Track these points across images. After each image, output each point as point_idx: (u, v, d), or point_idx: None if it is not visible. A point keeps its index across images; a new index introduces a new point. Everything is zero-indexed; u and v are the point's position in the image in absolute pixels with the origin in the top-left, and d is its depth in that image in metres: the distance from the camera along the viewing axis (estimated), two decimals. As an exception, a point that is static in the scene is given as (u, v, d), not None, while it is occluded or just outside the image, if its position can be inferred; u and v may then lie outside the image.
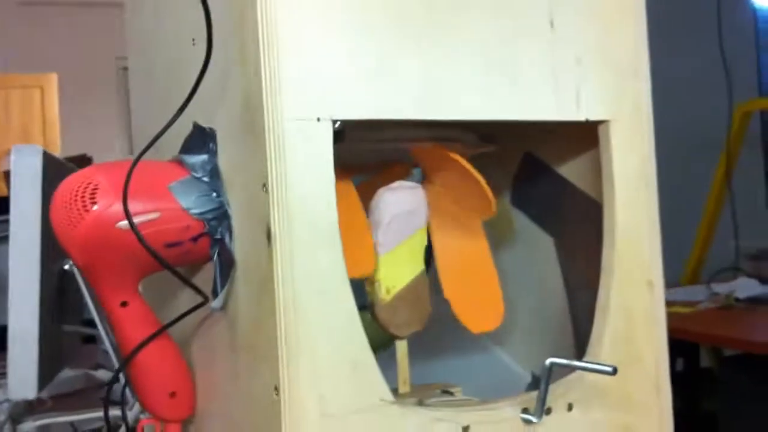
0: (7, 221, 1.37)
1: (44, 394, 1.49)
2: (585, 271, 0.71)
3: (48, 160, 1.20)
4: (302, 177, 0.54)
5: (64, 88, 5.79)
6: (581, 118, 0.65)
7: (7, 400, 1.27)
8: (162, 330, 0.61)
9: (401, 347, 0.68)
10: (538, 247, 0.77)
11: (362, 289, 0.66)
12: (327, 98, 0.55)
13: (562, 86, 0.63)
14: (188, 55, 0.64)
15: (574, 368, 0.60)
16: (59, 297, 1.44)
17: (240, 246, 0.58)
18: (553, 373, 0.61)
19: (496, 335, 0.81)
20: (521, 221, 0.79)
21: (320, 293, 0.54)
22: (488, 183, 0.75)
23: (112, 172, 0.58)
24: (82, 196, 0.57)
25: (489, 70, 0.61)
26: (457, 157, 0.67)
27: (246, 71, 0.55)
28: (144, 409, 0.65)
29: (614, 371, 0.57)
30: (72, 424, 1.28)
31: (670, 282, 0.70)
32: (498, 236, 0.79)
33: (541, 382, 0.60)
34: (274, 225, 0.53)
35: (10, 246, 1.28)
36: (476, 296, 0.70)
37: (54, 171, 1.21)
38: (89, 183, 0.57)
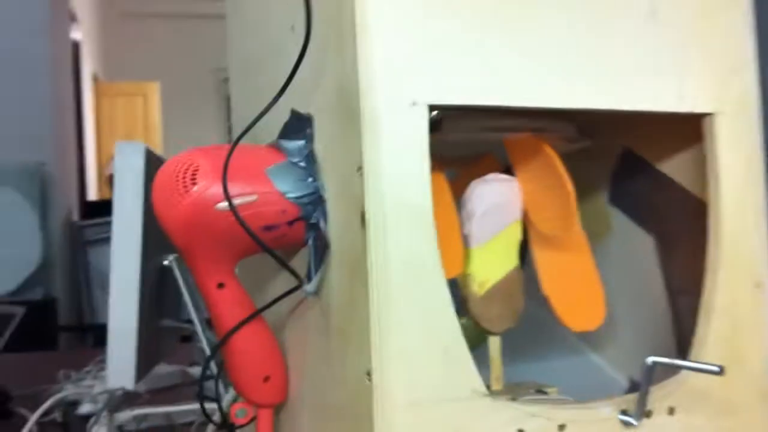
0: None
1: (141, 389, 1.54)
2: (688, 272, 0.68)
3: (150, 157, 1.24)
4: (397, 161, 0.53)
5: (165, 97, 6.00)
6: (684, 110, 0.62)
7: (106, 391, 1.31)
8: (258, 312, 0.62)
9: (494, 343, 0.66)
10: (637, 247, 0.74)
11: (455, 293, 0.65)
12: (422, 84, 0.54)
13: (663, 76, 0.61)
14: (286, 41, 0.64)
15: (677, 368, 0.58)
16: (158, 293, 1.48)
17: (334, 230, 0.58)
18: (653, 376, 0.59)
19: (592, 338, 0.78)
20: (619, 220, 0.76)
21: (413, 278, 0.53)
22: (585, 179, 0.73)
23: (212, 154, 0.59)
24: (183, 177, 0.58)
25: (587, 57, 0.59)
26: (547, 148, 0.65)
27: (342, 56, 0.55)
28: (237, 393, 0.66)
29: (721, 371, 0.54)
30: (167, 415, 1.31)
31: None
32: (595, 235, 0.77)
33: (641, 382, 0.57)
34: (368, 208, 0.53)
35: (112, 242, 1.32)
36: (576, 294, 0.68)
37: (156, 169, 1.24)
38: (190, 164, 0.58)
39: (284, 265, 0.60)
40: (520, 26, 0.57)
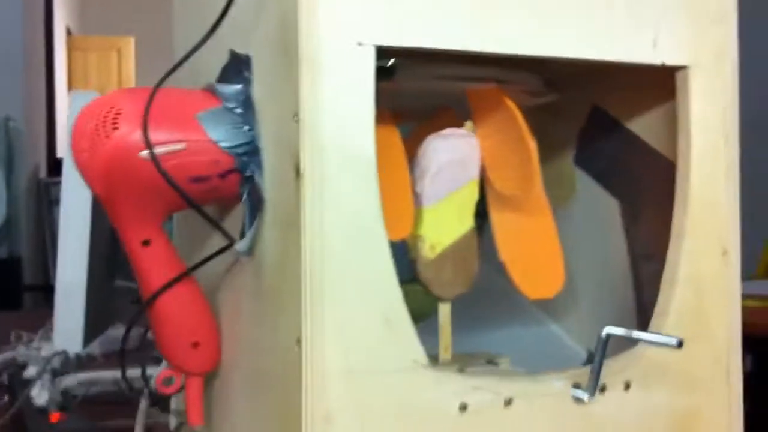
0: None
1: (97, 351, 1.48)
2: (653, 238, 0.64)
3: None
4: (338, 107, 0.48)
5: (140, 52, 5.87)
6: (657, 61, 0.58)
7: (55, 354, 1.25)
8: (186, 273, 0.57)
9: (444, 310, 0.62)
10: (601, 211, 0.70)
11: (404, 256, 0.61)
12: (370, 22, 0.49)
13: (635, 25, 0.56)
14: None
15: (633, 340, 0.54)
16: (112, 254, 1.42)
17: (269, 184, 0.53)
18: (611, 349, 0.55)
19: (551, 306, 0.74)
20: (584, 182, 0.72)
21: (352, 238, 0.48)
22: (550, 137, 0.68)
23: (139, 97, 0.54)
24: (104, 122, 0.52)
25: (554, 1, 0.54)
26: (508, 101, 0.61)
27: (283, -11, 0.50)
28: (164, 359, 0.61)
29: (679, 344, 0.50)
30: (116, 380, 1.26)
31: (742, 275, 0.63)
32: (558, 197, 0.72)
33: (595, 354, 0.53)
34: (303, 159, 0.48)
35: (62, 197, 1.26)
36: (535, 260, 0.64)
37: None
38: (112, 107, 0.53)
39: (210, 220, 0.55)
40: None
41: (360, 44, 0.49)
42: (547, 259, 0.65)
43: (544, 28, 0.54)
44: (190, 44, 0.65)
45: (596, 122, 0.69)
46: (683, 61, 0.58)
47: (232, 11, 0.55)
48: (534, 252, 0.64)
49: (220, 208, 0.60)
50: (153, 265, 0.57)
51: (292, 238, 0.49)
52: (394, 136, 0.61)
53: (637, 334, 0.53)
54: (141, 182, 0.53)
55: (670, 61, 0.58)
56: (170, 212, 0.57)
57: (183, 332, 0.59)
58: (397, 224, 0.58)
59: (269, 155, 0.53)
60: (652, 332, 0.55)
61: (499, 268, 0.65)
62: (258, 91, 0.55)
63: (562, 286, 0.64)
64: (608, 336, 0.53)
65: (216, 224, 0.55)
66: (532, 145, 0.59)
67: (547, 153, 0.71)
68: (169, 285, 0.56)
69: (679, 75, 0.58)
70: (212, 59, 0.60)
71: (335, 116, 0.48)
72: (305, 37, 0.48)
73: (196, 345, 0.59)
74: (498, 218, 0.65)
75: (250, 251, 0.55)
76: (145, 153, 0.51)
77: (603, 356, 0.54)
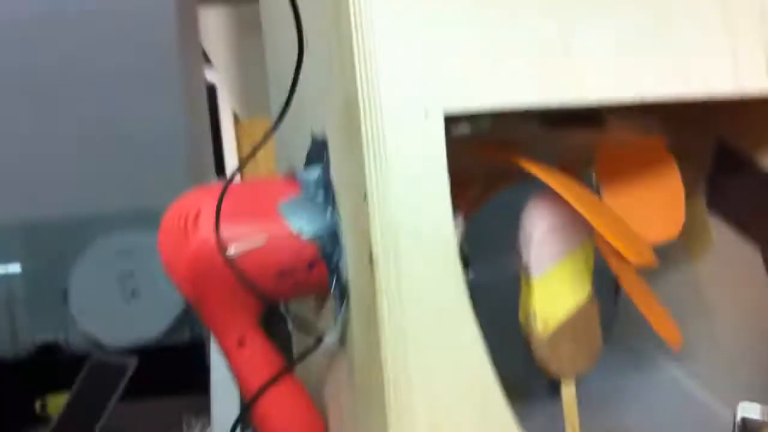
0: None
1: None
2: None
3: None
4: (408, 185, 0.44)
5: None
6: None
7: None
8: (282, 373, 0.54)
9: (567, 389, 0.56)
10: (741, 258, 0.61)
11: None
12: (436, 88, 0.45)
13: (742, 50, 0.49)
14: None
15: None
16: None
17: (351, 271, 0.50)
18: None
19: (693, 367, 0.66)
20: (719, 229, 0.64)
21: (435, 324, 0.44)
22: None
23: (218, 195, 0.52)
24: (185, 223, 0.51)
25: (644, 36, 0.48)
26: (672, 163, 0.56)
27: (344, 62, 0.47)
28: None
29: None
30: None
31: None
32: (693, 247, 0.64)
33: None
34: (376, 243, 0.44)
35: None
36: (657, 311, 0.57)
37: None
38: (192, 207, 0.52)
39: (287, 316, 0.52)
40: (557, 8, 0.47)
41: (426, 114, 0.45)
42: (661, 310, 0.58)
43: (639, 78, 0.48)
44: (285, 127, 0.64)
45: (724, 160, 0.61)
46: None
47: (309, 93, 0.54)
48: (654, 304, 0.58)
49: (319, 299, 0.58)
50: (249, 365, 0.55)
51: (373, 326, 0.45)
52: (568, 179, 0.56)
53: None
54: (227, 282, 0.51)
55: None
56: (264, 308, 0.55)
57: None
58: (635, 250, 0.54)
59: (348, 242, 0.50)
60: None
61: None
62: (335, 175, 0.52)
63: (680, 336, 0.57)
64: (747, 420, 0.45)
65: (298, 320, 0.52)
66: (679, 183, 0.57)
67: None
68: (266, 386, 0.54)
69: None
70: (298, 141, 0.58)
71: (405, 194, 0.44)
72: (367, 112, 0.45)
73: (306, 446, 0.56)
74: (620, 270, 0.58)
75: (340, 343, 0.52)
76: (231, 251, 0.50)
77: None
